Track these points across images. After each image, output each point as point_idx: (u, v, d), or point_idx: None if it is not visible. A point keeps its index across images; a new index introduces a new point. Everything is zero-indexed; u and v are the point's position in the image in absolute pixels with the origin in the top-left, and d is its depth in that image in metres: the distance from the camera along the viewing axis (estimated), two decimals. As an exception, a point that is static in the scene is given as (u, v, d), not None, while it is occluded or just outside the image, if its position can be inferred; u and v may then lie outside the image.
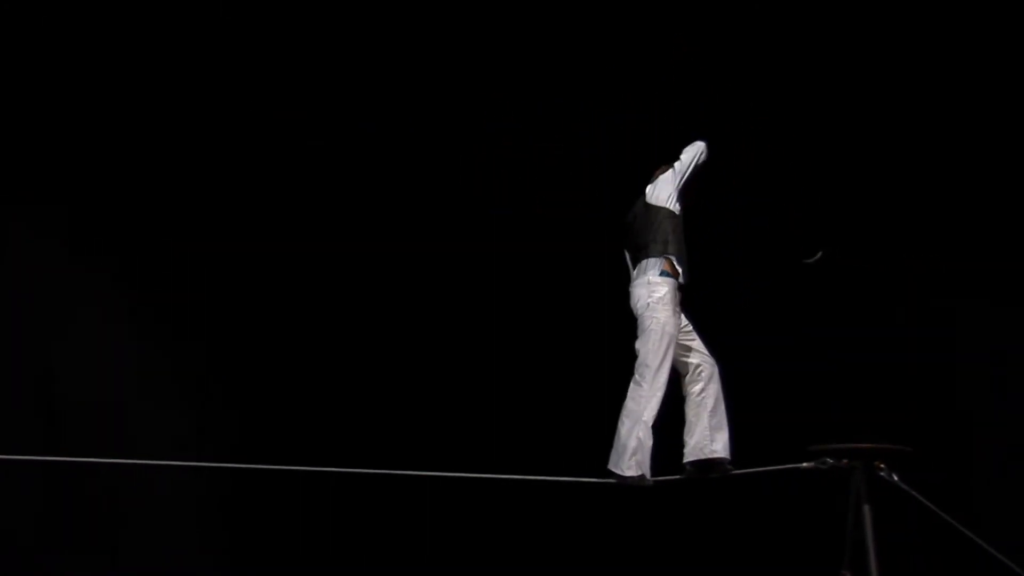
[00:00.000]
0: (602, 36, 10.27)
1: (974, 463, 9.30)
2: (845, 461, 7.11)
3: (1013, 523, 8.84)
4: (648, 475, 7.18)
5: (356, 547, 9.71)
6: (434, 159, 10.38)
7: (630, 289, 7.58)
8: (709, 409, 7.39)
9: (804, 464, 7.23)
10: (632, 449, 7.16)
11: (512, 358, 10.24)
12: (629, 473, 7.17)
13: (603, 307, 9.50)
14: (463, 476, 7.77)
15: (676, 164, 7.68)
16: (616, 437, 7.25)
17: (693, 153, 7.66)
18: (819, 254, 7.61)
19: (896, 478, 7.08)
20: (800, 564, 8.35)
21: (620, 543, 9.58)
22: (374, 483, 8.54)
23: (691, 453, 7.38)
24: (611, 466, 7.26)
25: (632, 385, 7.30)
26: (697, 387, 7.44)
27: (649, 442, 7.16)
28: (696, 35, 10.27)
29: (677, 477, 7.39)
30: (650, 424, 7.18)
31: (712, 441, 7.35)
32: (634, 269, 7.59)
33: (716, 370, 7.45)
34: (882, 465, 7.08)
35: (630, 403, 7.26)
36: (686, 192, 7.64)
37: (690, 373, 7.46)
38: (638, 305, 7.44)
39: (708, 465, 7.36)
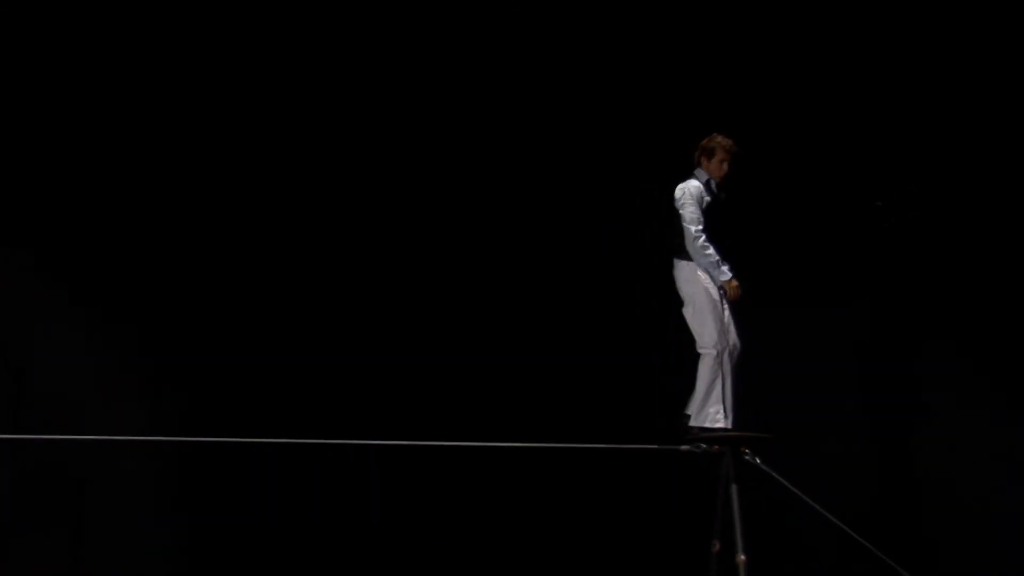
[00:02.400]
0: (602, 36, 10.40)
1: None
2: (716, 447, 7.98)
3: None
4: None
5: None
6: (434, 159, 10.41)
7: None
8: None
9: (682, 447, 8.10)
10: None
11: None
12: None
13: (602, 307, 10.32)
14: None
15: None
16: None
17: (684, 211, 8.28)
18: None
19: (759, 461, 7.93)
20: (677, 536, 9.03)
21: (498, 514, 9.78)
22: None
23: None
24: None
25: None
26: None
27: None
28: (696, 35, 10.42)
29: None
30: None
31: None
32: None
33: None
34: (747, 450, 7.94)
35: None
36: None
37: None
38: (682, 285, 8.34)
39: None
